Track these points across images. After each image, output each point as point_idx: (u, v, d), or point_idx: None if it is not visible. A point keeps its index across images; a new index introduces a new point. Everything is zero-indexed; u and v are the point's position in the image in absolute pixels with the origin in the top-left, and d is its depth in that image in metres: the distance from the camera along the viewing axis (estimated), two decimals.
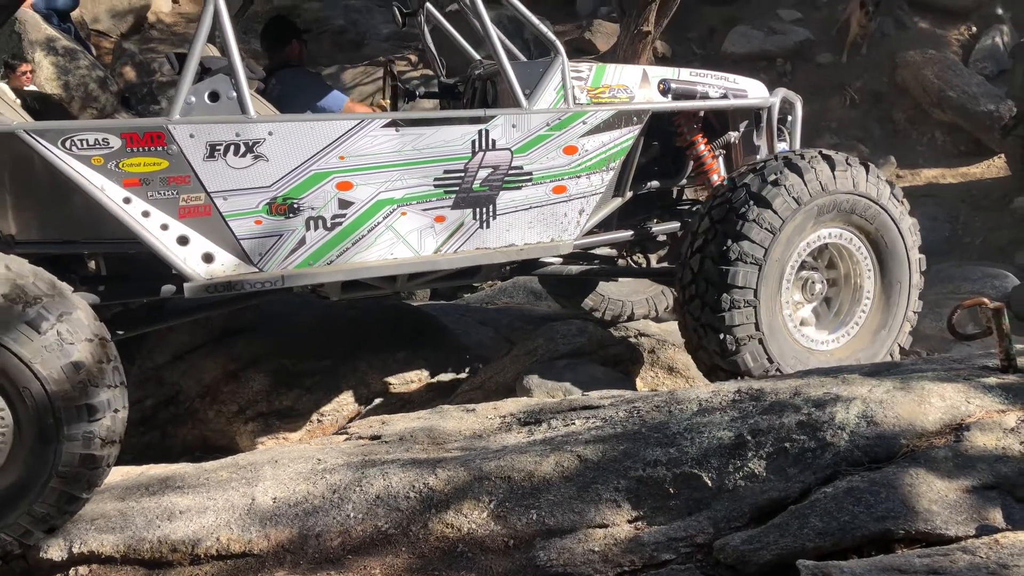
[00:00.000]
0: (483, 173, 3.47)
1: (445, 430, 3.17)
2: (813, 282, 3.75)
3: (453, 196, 3.45)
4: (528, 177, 3.56)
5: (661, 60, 10.24)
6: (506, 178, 3.52)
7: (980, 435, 2.43)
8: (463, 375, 4.50)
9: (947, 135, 10.43)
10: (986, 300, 3.03)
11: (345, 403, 4.33)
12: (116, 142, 2.95)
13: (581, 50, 11.60)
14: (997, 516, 2.15)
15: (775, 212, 3.48)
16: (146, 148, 2.99)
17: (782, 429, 2.58)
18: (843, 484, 2.32)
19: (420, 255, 3.46)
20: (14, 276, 2.53)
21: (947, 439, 2.46)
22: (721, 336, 3.49)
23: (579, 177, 3.66)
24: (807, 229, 3.60)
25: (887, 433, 2.50)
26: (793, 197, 3.50)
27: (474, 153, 3.44)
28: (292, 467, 2.90)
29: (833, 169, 3.59)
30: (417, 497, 2.60)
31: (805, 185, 3.52)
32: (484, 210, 3.52)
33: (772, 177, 3.51)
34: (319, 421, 4.24)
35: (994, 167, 9.82)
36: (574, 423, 3.01)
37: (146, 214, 3.02)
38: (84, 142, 2.92)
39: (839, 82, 11.37)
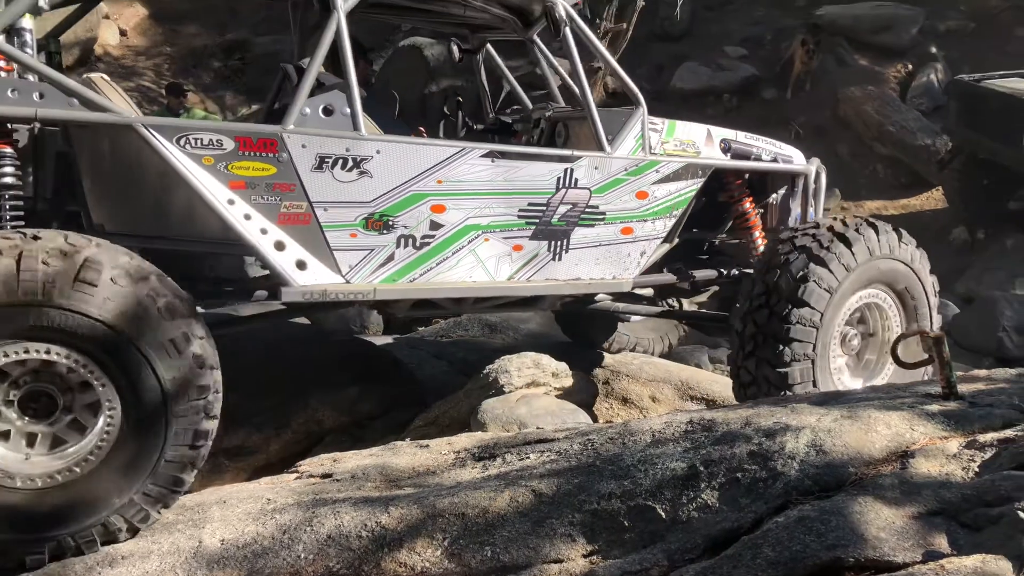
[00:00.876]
0: (563, 209, 3.69)
1: (398, 467, 3.13)
2: (850, 337, 4.04)
3: (533, 227, 3.65)
4: (602, 216, 3.80)
5: (611, 95, 10.42)
6: (582, 215, 3.75)
7: (924, 462, 2.48)
8: (417, 410, 4.46)
9: (888, 168, 10.76)
10: (927, 330, 3.12)
11: (296, 441, 4.26)
12: (229, 144, 3.05)
13: (532, 85, 11.74)
14: (943, 542, 2.19)
15: (833, 274, 3.79)
16: (257, 153, 3.09)
17: (734, 459, 2.60)
18: (794, 513, 2.34)
19: (495, 281, 3.63)
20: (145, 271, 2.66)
21: (893, 466, 2.50)
22: (781, 391, 3.74)
23: (645, 221, 3.92)
24: (854, 291, 3.92)
25: (836, 462, 2.54)
26: (843, 264, 3.81)
27: (558, 189, 3.66)
28: (241, 507, 2.83)
29: (877, 236, 3.93)
30: (369, 536, 2.55)
31: (853, 254, 3.84)
32: (559, 243, 3.74)
33: (827, 243, 3.83)
34: (269, 459, 4.15)
35: (932, 199, 10.15)
36: (529, 457, 3.00)
37: (248, 216, 3.09)
38: (199, 141, 3.02)
39: (784, 117, 11.68)
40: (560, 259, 3.75)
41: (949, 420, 2.73)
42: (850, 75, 11.75)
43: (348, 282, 3.30)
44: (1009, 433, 2.56)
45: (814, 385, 3.76)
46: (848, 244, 3.85)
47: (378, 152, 3.27)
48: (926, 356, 2.99)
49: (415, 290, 3.49)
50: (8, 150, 2.91)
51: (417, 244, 3.42)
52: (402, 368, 4.86)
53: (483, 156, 3.50)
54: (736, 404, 3.43)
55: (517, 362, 4.13)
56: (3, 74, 2.96)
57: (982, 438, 2.57)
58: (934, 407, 2.83)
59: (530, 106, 4.76)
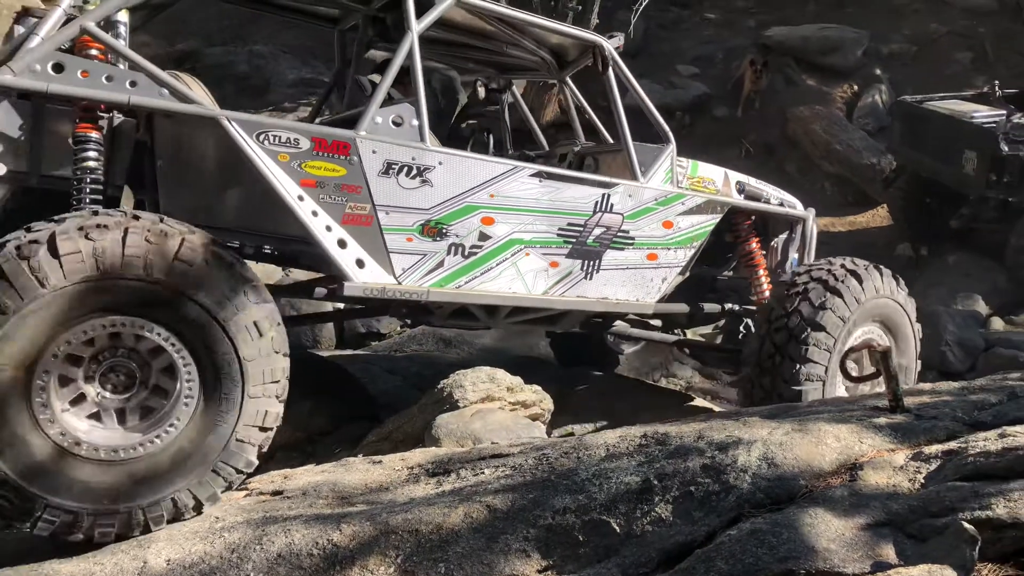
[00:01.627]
0: (598, 231, 3.98)
1: (350, 484, 3.09)
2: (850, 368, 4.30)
3: (570, 246, 3.93)
4: (631, 241, 4.09)
5: (565, 111, 10.49)
6: (614, 239, 4.04)
7: (873, 473, 2.52)
8: (370, 426, 4.40)
9: (835, 186, 11.01)
10: (875, 343, 3.18)
11: None
12: (306, 144, 3.25)
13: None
14: (890, 552, 2.22)
15: (846, 305, 4.14)
16: (330, 154, 3.29)
17: (687, 473, 2.61)
18: (747, 526, 2.36)
19: (531, 293, 3.87)
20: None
21: (843, 478, 2.54)
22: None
23: (669, 249, 4.22)
24: (859, 325, 4.25)
25: (787, 474, 2.57)
26: (855, 297, 4.18)
27: (595, 212, 3.95)
28: (187, 526, 2.76)
29: (881, 278, 4.32)
30: (321, 554, 2.50)
31: (863, 290, 4.22)
32: (591, 263, 4.01)
33: (842, 278, 4.20)
34: None
35: (878, 216, 10.41)
36: (483, 472, 2.98)
37: (315, 214, 3.27)
38: (277, 138, 3.19)
39: (735, 134, 11.89)
40: (591, 278, 4.01)
41: (896, 432, 2.78)
42: (798, 95, 12.03)
43: (400, 283, 3.49)
44: (953, 445, 2.62)
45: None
46: (859, 280, 4.21)
47: (440, 163, 3.51)
48: (873, 371, 3.05)
49: (463, 295, 3.70)
50: (95, 135, 3.03)
51: (466, 253, 3.64)
52: (355, 383, 4.80)
53: (532, 175, 3.78)
54: (690, 417, 3.46)
55: (472, 376, 4.12)
56: (98, 61, 3.06)
57: (927, 450, 2.62)
58: (882, 420, 2.89)
59: (544, 143, 5.10)
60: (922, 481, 2.47)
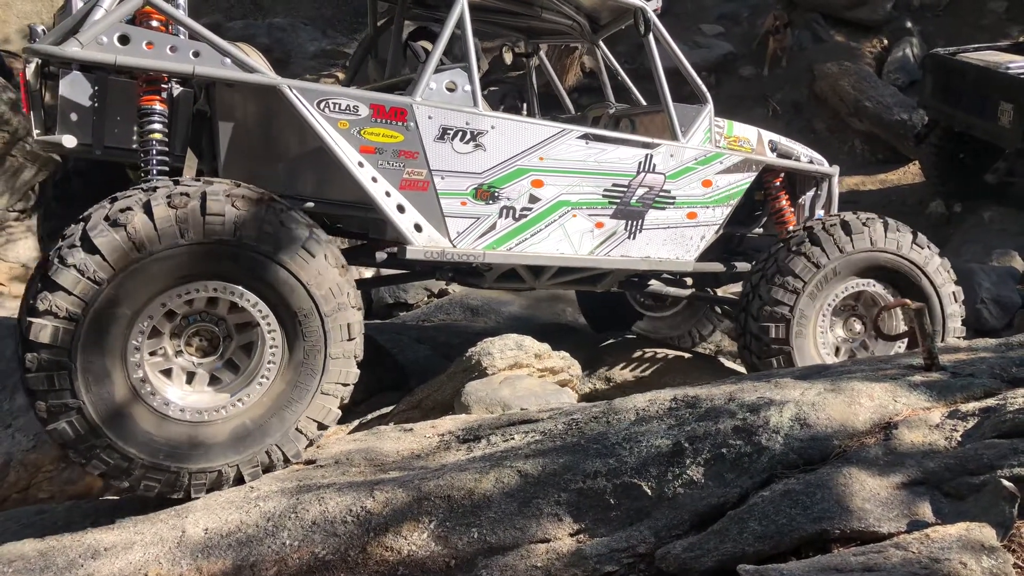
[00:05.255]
0: (641, 191, 4.02)
1: (382, 451, 3.11)
2: (855, 320, 4.32)
3: (615, 207, 3.98)
4: (672, 200, 4.12)
5: (589, 75, 10.35)
6: (657, 198, 4.07)
7: (908, 432, 2.49)
8: (400, 394, 4.43)
9: (865, 144, 10.79)
10: (908, 301, 3.12)
11: None
12: (364, 111, 3.32)
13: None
14: (927, 511, 2.20)
15: (825, 253, 4.12)
16: (389, 121, 3.36)
17: (718, 435, 2.60)
18: (780, 487, 2.35)
19: (578, 254, 3.94)
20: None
21: (877, 438, 2.51)
22: (759, 342, 4.17)
23: (708, 208, 4.24)
24: (849, 275, 4.18)
25: (820, 435, 2.55)
26: (838, 246, 4.13)
27: (638, 173, 3.99)
28: (223, 496, 2.81)
29: (885, 232, 4.20)
30: (355, 521, 2.53)
31: (852, 240, 4.15)
32: (635, 223, 4.06)
33: (829, 227, 4.19)
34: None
35: (910, 173, 10.20)
36: (513, 438, 2.99)
37: (375, 180, 3.36)
38: (337, 106, 3.27)
39: (761, 94, 11.68)
40: (634, 238, 4.06)
41: (931, 391, 2.74)
42: (826, 51, 11.77)
43: (455, 247, 3.57)
44: (990, 402, 2.57)
45: (787, 344, 4.10)
46: (848, 231, 4.16)
47: (493, 127, 3.58)
48: (906, 329, 3.00)
49: (515, 257, 3.79)
50: (160, 106, 3.11)
51: (516, 216, 3.71)
52: (385, 353, 4.82)
53: (579, 137, 3.83)
54: (720, 380, 3.44)
55: (499, 344, 4.11)
56: (161, 32, 3.12)
57: (964, 408, 2.58)
58: (916, 378, 2.84)
59: (571, 107, 5.08)
60: (959, 439, 2.43)
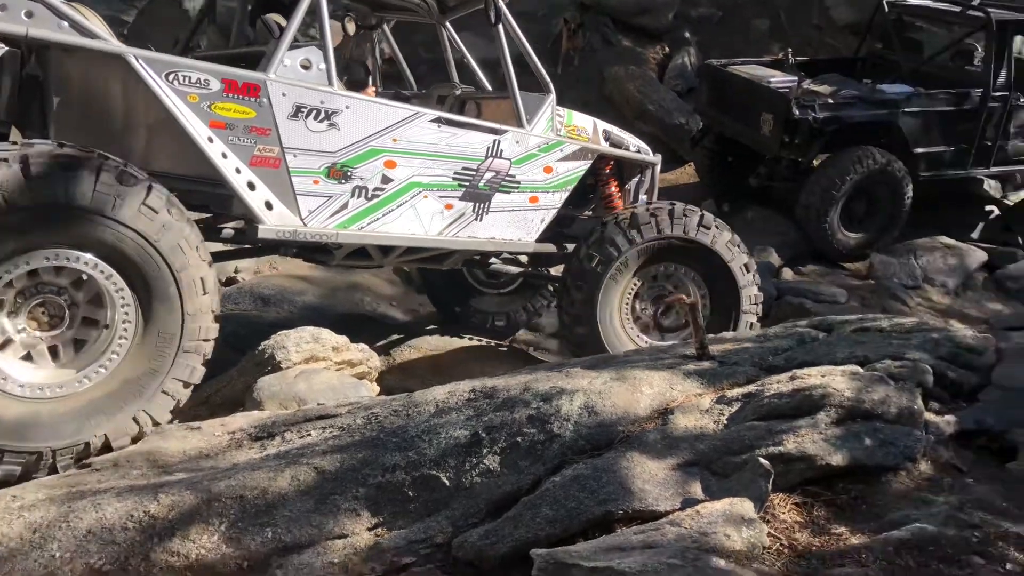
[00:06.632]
0: (488, 175, 4.14)
1: (167, 451, 2.94)
2: (647, 300, 4.62)
3: (463, 189, 4.07)
4: (517, 185, 4.27)
5: (387, 61, 10.27)
6: (503, 183, 4.21)
7: (682, 417, 2.72)
8: None
9: (649, 144, 11.51)
10: (683, 296, 3.39)
11: None
12: (216, 85, 3.22)
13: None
14: (697, 489, 2.42)
15: (627, 240, 4.38)
16: (240, 96, 3.28)
17: (514, 424, 2.70)
18: (570, 472, 2.48)
19: (428, 234, 4.03)
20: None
21: (656, 423, 2.72)
22: (567, 319, 4.51)
23: (548, 192, 4.43)
24: (641, 258, 4.45)
25: (606, 421, 2.72)
26: (628, 238, 4.40)
27: (486, 158, 4.10)
28: None
29: (671, 220, 4.46)
30: (136, 527, 2.38)
31: (641, 231, 4.41)
32: (482, 205, 4.18)
33: (623, 220, 4.45)
34: None
35: (686, 174, 11.01)
36: (310, 434, 2.93)
37: (224, 156, 3.27)
38: (187, 79, 3.16)
39: (556, 91, 12.12)
40: (481, 220, 4.20)
41: (703, 378, 3.00)
42: (615, 54, 12.41)
43: (306, 225, 3.55)
44: (751, 388, 2.87)
45: (593, 320, 4.40)
46: (639, 223, 4.43)
47: (347, 107, 3.57)
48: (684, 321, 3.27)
49: (367, 236, 3.83)
50: None
51: (369, 195, 3.75)
52: None
53: (432, 121, 3.89)
54: (517, 370, 3.56)
55: (295, 337, 4.00)
56: None
57: (729, 393, 2.86)
58: (690, 367, 3.10)
59: (413, 84, 5.15)
60: (725, 422, 2.69)
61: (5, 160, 2.62)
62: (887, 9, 8.54)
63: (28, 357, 2.86)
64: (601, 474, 2.44)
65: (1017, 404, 2.92)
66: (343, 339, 4.13)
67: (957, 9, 8.28)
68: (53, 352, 2.90)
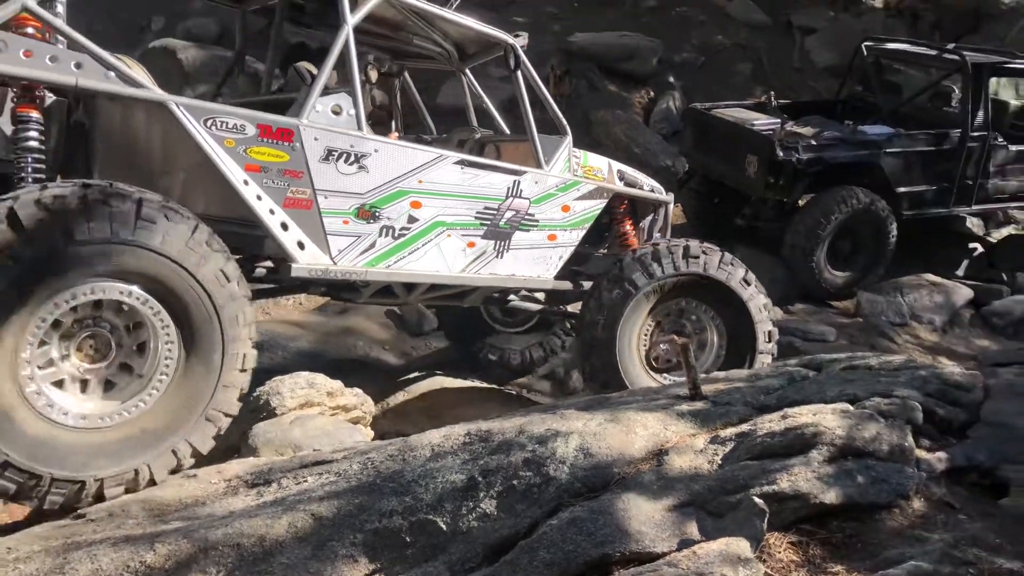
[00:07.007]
0: (509, 214, 4.30)
1: (163, 500, 2.93)
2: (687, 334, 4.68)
3: (485, 228, 4.23)
4: (536, 223, 4.44)
5: (378, 107, 10.40)
6: (523, 221, 4.38)
7: (677, 458, 2.74)
8: None
9: None
10: (676, 337, 3.43)
11: None
12: (251, 130, 3.37)
13: None
14: (693, 529, 2.43)
15: (646, 275, 4.46)
16: (275, 141, 3.42)
17: (510, 467, 2.71)
18: (567, 515, 2.49)
19: (451, 272, 4.17)
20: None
21: (651, 464, 2.73)
22: (586, 355, 4.57)
23: (566, 230, 4.60)
24: (658, 295, 4.56)
25: (602, 463, 2.73)
26: (649, 273, 4.48)
27: (507, 197, 4.27)
28: None
29: (688, 254, 4.56)
30: None
31: (662, 267, 4.50)
32: (502, 243, 4.34)
33: (665, 254, 4.52)
34: (4, 504, 3.70)
35: (674, 215, 11.15)
36: (306, 480, 2.93)
37: (259, 197, 3.40)
38: (224, 124, 3.30)
39: (544, 134, 12.27)
40: (502, 257, 4.35)
41: (696, 418, 3.03)
42: (601, 99, 12.62)
43: (336, 264, 3.68)
44: (744, 428, 2.89)
45: (614, 355, 4.43)
46: (659, 259, 4.54)
47: (376, 151, 3.72)
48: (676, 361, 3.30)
49: (394, 274, 3.95)
50: (35, 114, 3.10)
51: (395, 235, 3.88)
52: None
53: (455, 163, 4.05)
54: (510, 413, 3.58)
55: (290, 383, 4.01)
56: (38, 40, 3.05)
57: (723, 433, 2.88)
58: (683, 407, 3.13)
59: (433, 128, 5.31)
60: (719, 462, 2.71)
61: (61, 197, 2.76)
62: (865, 53, 8.76)
63: (75, 387, 2.97)
64: (598, 516, 2.45)
65: (1007, 440, 2.95)
66: (337, 384, 4.14)
67: (933, 52, 8.50)
68: (101, 383, 3.01)
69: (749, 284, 4.68)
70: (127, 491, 2.97)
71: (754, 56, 13.46)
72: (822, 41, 13.43)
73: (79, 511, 2.90)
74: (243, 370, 3.19)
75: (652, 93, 12.94)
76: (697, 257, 4.58)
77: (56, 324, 2.87)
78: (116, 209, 2.85)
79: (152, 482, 3.01)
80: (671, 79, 12.91)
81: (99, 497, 2.92)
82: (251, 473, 3.08)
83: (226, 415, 3.17)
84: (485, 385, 5.55)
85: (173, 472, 3.07)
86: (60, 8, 3.25)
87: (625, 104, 12.51)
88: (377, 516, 2.57)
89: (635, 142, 11.24)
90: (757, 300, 4.68)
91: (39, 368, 2.85)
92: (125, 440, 2.96)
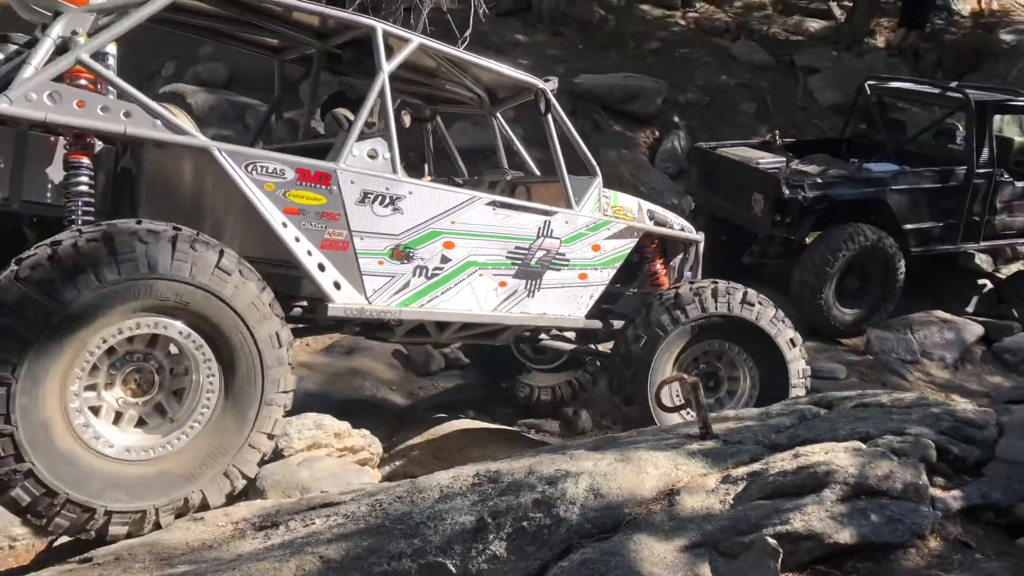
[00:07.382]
0: (539, 254, 4.36)
1: (170, 543, 2.91)
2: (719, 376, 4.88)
3: (516, 267, 4.29)
4: (567, 262, 4.50)
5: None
6: (553, 260, 4.44)
7: (689, 498, 2.71)
8: None
9: None
10: (685, 376, 3.42)
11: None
12: (291, 174, 3.46)
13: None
14: (706, 571, 2.40)
15: (672, 320, 4.56)
16: (313, 185, 3.52)
17: (519, 509, 2.69)
18: (577, 557, 2.46)
19: (483, 311, 4.22)
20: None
21: (662, 504, 2.71)
22: (618, 399, 4.68)
23: (597, 269, 4.65)
24: (687, 337, 4.65)
25: (612, 504, 2.70)
26: (673, 317, 4.59)
27: (538, 237, 4.34)
28: None
29: (716, 295, 4.65)
30: None
31: (686, 311, 4.61)
32: (534, 282, 4.39)
33: (688, 298, 4.62)
34: (11, 547, 3.68)
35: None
36: (314, 522, 2.91)
37: (297, 239, 3.49)
38: (265, 169, 3.39)
39: (549, 175, 12.36)
40: (533, 296, 4.40)
41: (707, 458, 3.00)
42: (606, 139, 12.73)
43: (371, 304, 3.75)
44: (756, 467, 2.86)
45: (638, 403, 4.57)
46: (682, 303, 4.63)
47: (410, 193, 3.80)
48: (685, 399, 3.28)
49: (427, 313, 4.01)
50: (86, 161, 3.24)
51: (429, 274, 3.95)
52: None
53: (487, 204, 4.14)
54: (520, 453, 3.55)
55: (297, 424, 4.00)
56: (91, 91, 3.16)
57: (735, 472, 2.85)
58: (694, 446, 3.10)
59: (465, 171, 5.42)
60: (731, 502, 2.68)
61: (94, 240, 2.85)
62: (868, 91, 8.83)
63: (110, 417, 3.02)
64: (609, 558, 2.42)
65: (1023, 478, 2.91)
66: (345, 425, 4.13)
67: (937, 91, 8.56)
68: (135, 419, 3.07)
69: (779, 321, 4.73)
70: (129, 535, 2.95)
71: (758, 95, 13.59)
72: (826, 80, 13.56)
73: (85, 555, 2.88)
74: (271, 436, 3.25)
75: (657, 133, 13.04)
76: (724, 297, 4.64)
77: (111, 351, 2.95)
78: (149, 245, 2.94)
79: (157, 526, 3.01)
80: (676, 119, 13.02)
81: (102, 532, 2.91)
82: (258, 516, 3.06)
83: (244, 476, 3.20)
84: (494, 426, 5.51)
85: (178, 517, 3.07)
86: (111, 60, 3.36)
87: (630, 144, 12.61)
88: (386, 558, 2.54)
89: (641, 181, 11.30)
90: (785, 335, 4.75)
91: (85, 390, 2.92)
92: (142, 478, 2.98)
